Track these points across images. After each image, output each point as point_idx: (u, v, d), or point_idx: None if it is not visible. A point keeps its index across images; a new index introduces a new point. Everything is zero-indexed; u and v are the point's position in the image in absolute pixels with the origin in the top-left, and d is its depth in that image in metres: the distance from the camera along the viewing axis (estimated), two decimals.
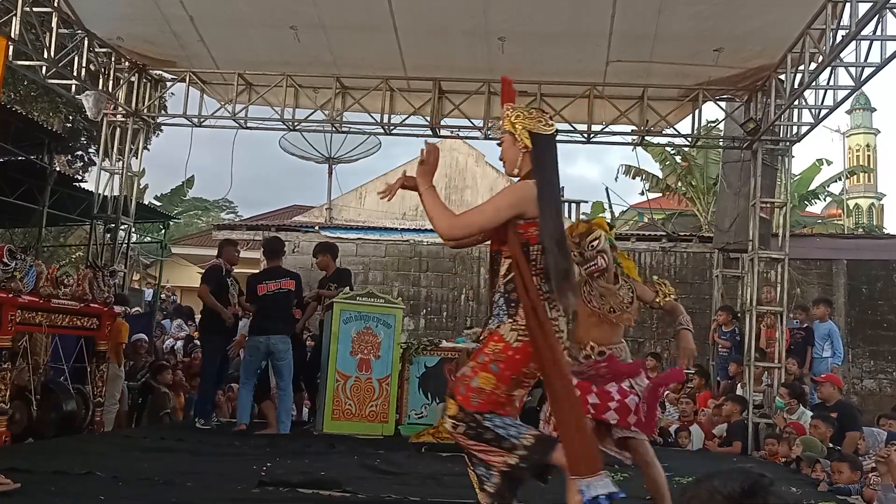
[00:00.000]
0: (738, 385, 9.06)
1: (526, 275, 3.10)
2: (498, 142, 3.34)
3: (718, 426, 8.40)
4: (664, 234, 13.78)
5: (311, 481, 4.51)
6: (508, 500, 3.16)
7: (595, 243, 3.82)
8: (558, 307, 3.17)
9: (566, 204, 24.97)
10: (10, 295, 5.66)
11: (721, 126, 10.16)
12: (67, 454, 5.27)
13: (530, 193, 3.14)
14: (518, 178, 3.25)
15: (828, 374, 8.40)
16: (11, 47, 7.25)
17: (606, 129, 9.26)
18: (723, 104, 9.43)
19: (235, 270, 7.82)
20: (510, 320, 3.12)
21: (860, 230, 28.36)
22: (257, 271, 8.30)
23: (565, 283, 3.16)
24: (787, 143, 8.94)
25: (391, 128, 9.42)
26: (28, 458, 4.88)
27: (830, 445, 6.59)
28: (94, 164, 15.26)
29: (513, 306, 3.13)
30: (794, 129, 8.75)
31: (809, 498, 5.08)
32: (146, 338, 9.21)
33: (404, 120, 9.42)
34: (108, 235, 9.39)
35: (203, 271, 8.01)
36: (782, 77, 8.16)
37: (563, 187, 27.06)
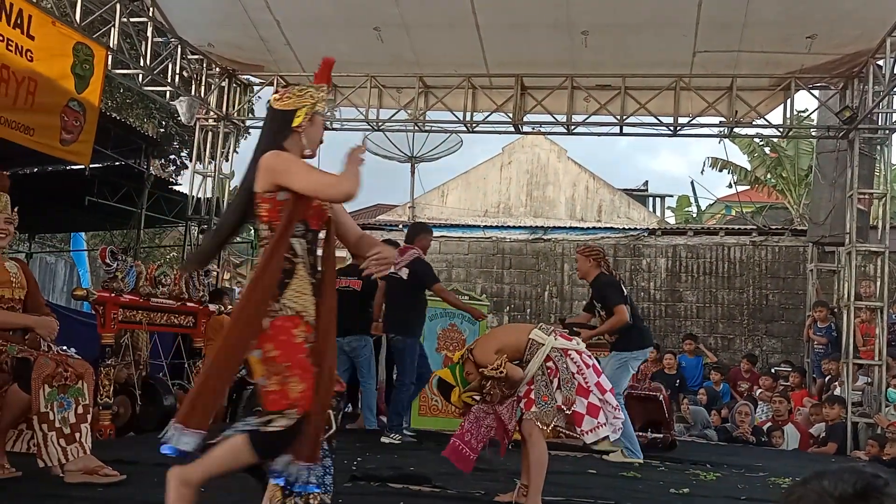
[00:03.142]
0: (836, 382, 8.73)
1: None
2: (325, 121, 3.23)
3: (816, 426, 8.12)
4: (754, 227, 13.40)
5: (400, 476, 4.56)
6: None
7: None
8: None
9: (651, 199, 24.56)
10: (113, 294, 5.93)
11: (814, 115, 9.81)
12: None
13: None
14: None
15: None
16: (110, 57, 7.57)
17: (693, 122, 9.06)
18: (816, 92, 9.10)
19: None
20: None
21: None
22: None
23: None
24: (887, 132, 8.57)
25: (473, 126, 9.44)
26: (132, 450, 5.08)
27: None
28: (187, 167, 15.82)
29: None
30: (894, 116, 8.38)
31: None
32: None
33: (487, 117, 9.42)
34: (202, 236, 9.70)
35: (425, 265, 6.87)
36: (881, 62, 7.82)
37: (646, 181, 26.52)
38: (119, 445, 5.38)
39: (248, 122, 10.66)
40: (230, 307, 9.73)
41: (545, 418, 3.94)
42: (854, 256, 8.47)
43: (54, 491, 3.73)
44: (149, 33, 8.24)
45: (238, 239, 20.83)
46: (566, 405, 3.91)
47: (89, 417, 4.09)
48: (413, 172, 16.54)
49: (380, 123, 9.71)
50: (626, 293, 6.51)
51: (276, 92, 3.10)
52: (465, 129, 9.58)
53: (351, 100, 9.58)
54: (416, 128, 10.03)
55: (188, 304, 6.83)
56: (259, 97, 11.08)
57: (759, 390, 9.46)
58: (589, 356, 4.13)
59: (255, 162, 2.93)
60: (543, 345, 4.02)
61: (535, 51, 8.57)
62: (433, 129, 10.36)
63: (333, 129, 9.69)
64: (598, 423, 3.94)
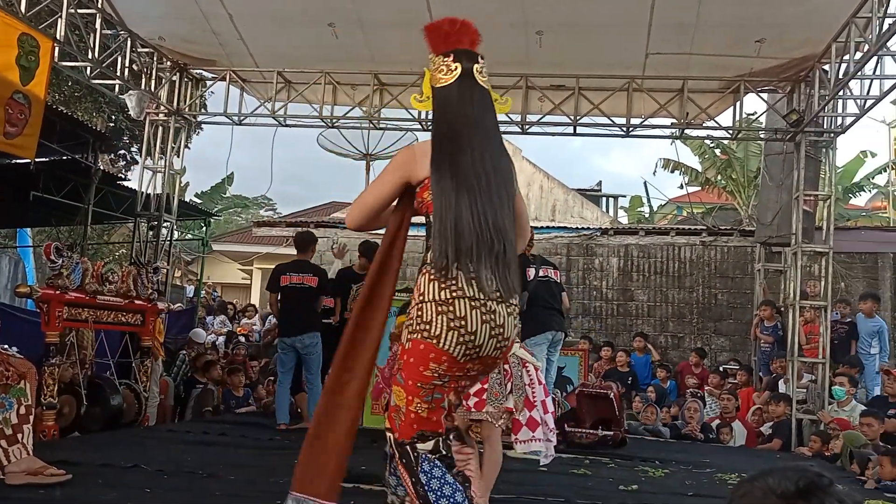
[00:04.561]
0: (781, 381, 8.93)
1: (399, 248, 2.69)
2: None
3: (766, 424, 8.29)
4: (704, 228, 13.62)
5: (351, 476, 4.53)
6: None
7: None
8: (458, 287, 2.43)
9: (604, 199, 24.80)
10: (58, 291, 5.79)
11: (762, 118, 10.00)
12: (114, 447, 5.36)
13: (416, 152, 2.64)
14: None
15: None
16: (57, 49, 7.39)
17: (645, 123, 9.16)
18: (764, 96, 9.28)
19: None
20: (408, 316, 2.55)
21: None
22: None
23: (462, 255, 2.45)
24: (832, 135, 8.77)
25: (428, 123, 9.42)
26: (76, 451, 4.98)
27: (880, 444, 6.41)
28: (137, 162, 15.50)
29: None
30: (839, 120, 8.58)
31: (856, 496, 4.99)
32: (190, 334, 9.40)
33: None
34: (151, 233, 9.53)
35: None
36: (826, 67, 8.00)
37: (600, 181, 26.83)
38: (63, 446, 5.27)
39: (200, 118, 10.48)
40: (177, 305, 9.57)
41: (495, 418, 3.97)
42: (800, 257, 8.67)
43: None
44: (97, 25, 8.05)
45: (190, 236, 20.55)
46: (514, 409, 3.98)
47: (31, 418, 3.99)
48: (368, 170, 16.45)
49: (334, 120, 9.64)
50: (534, 276, 6.65)
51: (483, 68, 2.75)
52: (420, 127, 9.57)
53: (305, 96, 9.49)
54: (371, 125, 9.97)
55: (136, 301, 6.71)
56: (212, 92, 10.89)
57: (707, 388, 9.63)
58: (543, 375, 4.24)
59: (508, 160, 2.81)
60: None
61: (490, 50, 8.46)
62: (388, 126, 10.32)
63: (287, 126, 9.59)
64: (534, 437, 4.04)
